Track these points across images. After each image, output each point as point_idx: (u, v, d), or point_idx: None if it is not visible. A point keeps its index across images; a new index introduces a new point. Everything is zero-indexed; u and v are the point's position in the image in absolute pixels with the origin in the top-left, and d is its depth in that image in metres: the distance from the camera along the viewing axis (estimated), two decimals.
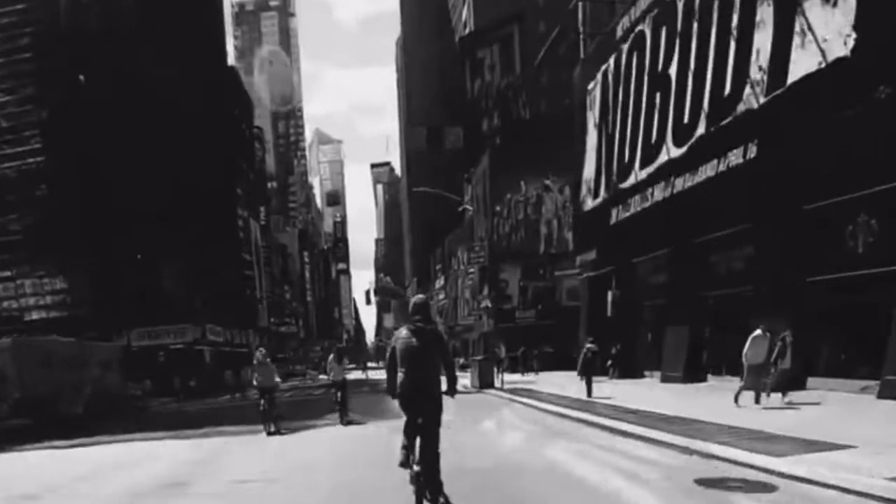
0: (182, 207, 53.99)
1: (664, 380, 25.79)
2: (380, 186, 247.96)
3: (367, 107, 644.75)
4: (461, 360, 59.46)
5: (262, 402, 17.45)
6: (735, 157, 20.52)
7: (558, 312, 53.09)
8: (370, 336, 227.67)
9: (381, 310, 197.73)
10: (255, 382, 17.92)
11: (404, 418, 7.34)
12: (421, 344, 7.15)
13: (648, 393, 22.36)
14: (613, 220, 29.14)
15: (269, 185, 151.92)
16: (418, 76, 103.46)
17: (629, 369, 29.63)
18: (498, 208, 51.55)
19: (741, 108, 20.36)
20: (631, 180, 27.59)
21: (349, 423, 18.10)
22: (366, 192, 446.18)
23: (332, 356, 20.18)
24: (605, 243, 30.97)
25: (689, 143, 23.14)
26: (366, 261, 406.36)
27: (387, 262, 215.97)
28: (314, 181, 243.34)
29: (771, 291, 19.89)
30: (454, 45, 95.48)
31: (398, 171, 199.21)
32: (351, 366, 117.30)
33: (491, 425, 16.24)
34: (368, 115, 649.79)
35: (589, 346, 23.37)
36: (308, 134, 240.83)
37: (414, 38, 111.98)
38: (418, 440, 7.18)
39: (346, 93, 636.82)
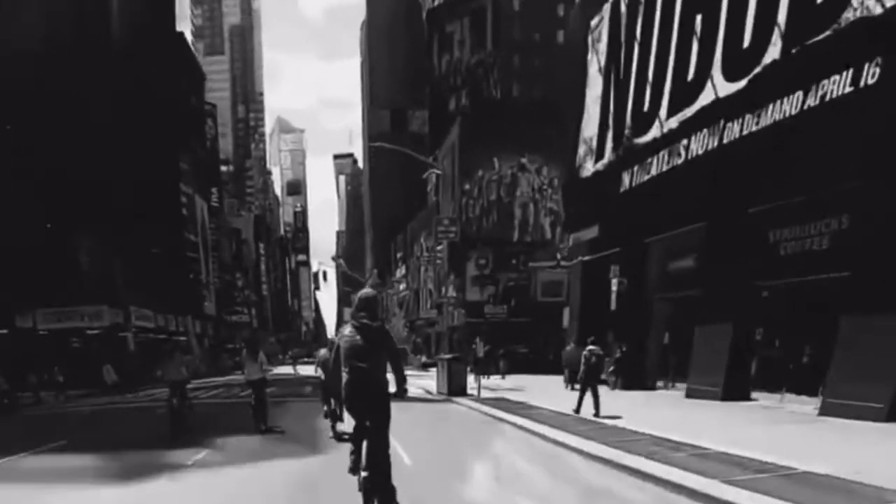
0: (108, 174, 46.13)
1: (691, 394, 19.26)
2: (342, 178, 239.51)
3: (330, 100, 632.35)
4: (423, 359, 52.37)
5: (174, 400, 14.84)
6: (834, 86, 13.92)
7: (532, 309, 46.65)
8: (331, 330, 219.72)
9: (342, 303, 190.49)
10: (158, 374, 15.60)
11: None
12: (366, 342, 6.56)
13: (687, 415, 15.93)
14: (625, 186, 22.47)
15: (226, 168, 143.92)
16: (383, 59, 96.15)
17: (635, 378, 23.06)
18: (467, 186, 44.79)
19: (851, 15, 13.75)
20: (653, 133, 20.94)
21: (268, 430, 14.77)
22: (328, 185, 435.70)
23: (244, 349, 16.79)
24: (609, 218, 24.29)
25: (752, 75, 16.49)
26: (327, 254, 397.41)
27: (348, 255, 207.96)
28: (275, 170, 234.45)
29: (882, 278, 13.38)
30: (422, 26, 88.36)
31: (361, 164, 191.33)
32: (311, 359, 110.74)
33: (487, 485, 9.22)
34: (332, 108, 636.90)
35: (591, 348, 16.82)
36: (269, 122, 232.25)
37: (380, 18, 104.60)
38: (365, 444, 6.55)
39: (309, 85, 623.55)
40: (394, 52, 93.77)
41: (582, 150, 26.13)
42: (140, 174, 54.52)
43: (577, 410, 16.10)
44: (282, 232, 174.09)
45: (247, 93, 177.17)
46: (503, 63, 65.58)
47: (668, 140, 19.92)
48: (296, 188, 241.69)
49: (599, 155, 24.61)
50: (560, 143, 47.15)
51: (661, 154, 20.34)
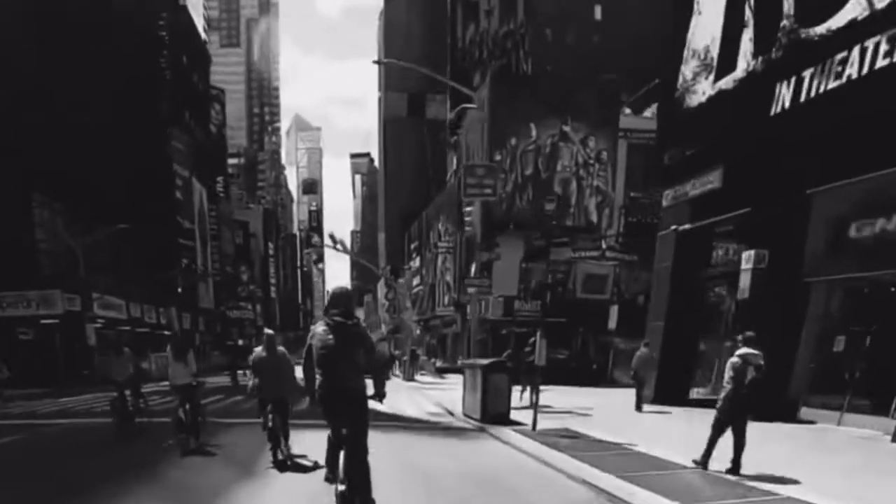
0: (76, 139, 38.29)
1: None
2: (358, 177, 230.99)
3: (346, 100, 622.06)
4: (437, 363, 43.75)
5: (128, 400, 13.07)
6: None
7: (570, 307, 38.00)
8: None
9: (356, 304, 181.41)
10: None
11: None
12: (339, 342, 5.98)
13: None
14: (781, 104, 13.81)
15: (237, 160, 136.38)
16: (401, 37, 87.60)
17: (772, 402, 14.30)
18: (498, 157, 36.22)
19: None
20: (848, 12, 12.27)
21: (198, 448, 11.22)
22: (343, 185, 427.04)
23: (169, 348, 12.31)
24: (740, 160, 15.55)
25: None
26: (339, 254, 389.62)
27: (363, 255, 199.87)
28: (291, 169, 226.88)
29: None
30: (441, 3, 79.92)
31: (377, 162, 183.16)
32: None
33: None
34: (348, 109, 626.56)
35: (748, 352, 8.32)
36: (285, 120, 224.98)
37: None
38: (343, 455, 6.02)
39: (325, 85, 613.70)
40: (410, 34, 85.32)
41: (691, 66, 17.42)
42: (119, 145, 46.64)
43: (705, 463, 9.12)
44: (296, 230, 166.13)
45: (262, 86, 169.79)
46: (535, 35, 56.91)
47: (883, 21, 11.29)
48: (312, 187, 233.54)
49: (726, 67, 15.90)
50: (607, 114, 39.13)
51: (866, 45, 11.68)
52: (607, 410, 18.04)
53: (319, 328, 6.13)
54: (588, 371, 34.17)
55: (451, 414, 17.49)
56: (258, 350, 10.24)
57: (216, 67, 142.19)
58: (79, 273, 36.42)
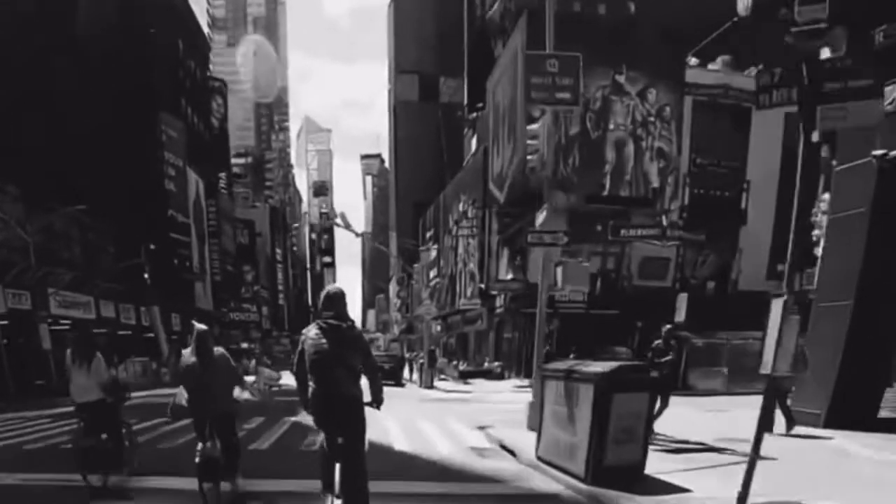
0: (49, 118, 31.77)
1: None
2: (369, 179, 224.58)
3: (355, 103, 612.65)
4: (461, 366, 36.53)
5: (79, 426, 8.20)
6: None
7: (624, 297, 30.90)
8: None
9: (367, 305, 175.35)
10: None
11: None
12: (332, 345, 5.48)
13: None
14: None
15: (245, 160, 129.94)
16: (413, 19, 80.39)
17: None
18: (537, 114, 28.93)
19: None
20: None
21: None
22: (353, 187, 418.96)
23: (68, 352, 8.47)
24: None
25: None
26: (351, 257, 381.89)
27: (373, 255, 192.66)
28: (301, 173, 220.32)
29: None
30: None
31: (387, 153, 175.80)
32: None
33: None
34: (356, 111, 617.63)
35: None
36: (294, 123, 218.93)
37: None
38: (339, 466, 5.44)
39: (334, 88, 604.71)
40: (422, 13, 78.04)
41: None
42: (96, 124, 40.28)
43: None
44: (306, 230, 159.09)
45: (268, 101, 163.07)
46: None
47: None
48: (322, 189, 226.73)
49: None
50: (670, 63, 31.55)
51: None
52: (767, 443, 10.71)
53: (312, 332, 5.62)
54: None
55: (513, 454, 10.31)
56: (186, 353, 7.24)
57: (223, 68, 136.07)
58: (30, 265, 29.61)
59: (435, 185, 57.00)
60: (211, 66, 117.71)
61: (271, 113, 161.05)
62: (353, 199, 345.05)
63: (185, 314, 53.39)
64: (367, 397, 5.74)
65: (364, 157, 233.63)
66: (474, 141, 48.38)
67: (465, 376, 33.73)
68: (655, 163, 29.80)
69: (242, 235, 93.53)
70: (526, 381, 30.30)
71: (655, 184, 29.69)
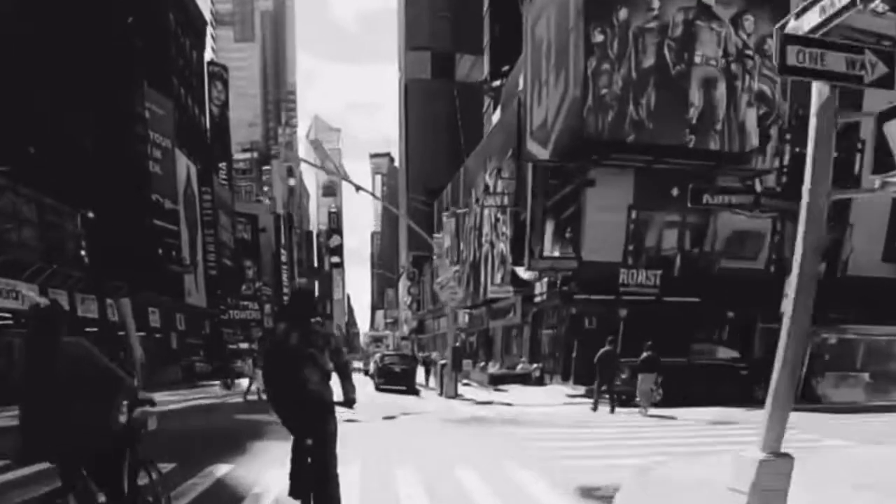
0: None
1: None
2: (378, 178, 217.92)
3: (364, 105, 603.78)
4: (491, 368, 29.05)
5: None
6: None
7: (706, 280, 23.44)
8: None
9: (375, 307, 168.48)
10: None
11: None
12: (301, 343, 5.11)
13: None
14: None
15: (250, 154, 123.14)
16: None
17: None
18: (600, 38, 21.41)
19: None
20: None
21: None
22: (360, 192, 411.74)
23: None
24: None
25: None
26: (359, 258, 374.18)
27: (383, 257, 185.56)
28: (310, 172, 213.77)
29: None
30: None
31: (397, 162, 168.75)
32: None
33: None
34: (365, 113, 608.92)
35: None
36: (304, 122, 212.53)
37: None
38: (309, 466, 5.14)
39: (341, 91, 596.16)
40: None
41: None
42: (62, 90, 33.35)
43: None
44: (311, 227, 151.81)
45: (278, 81, 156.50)
46: None
47: None
48: (331, 189, 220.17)
49: None
50: None
51: None
52: None
53: (279, 329, 5.28)
54: (758, 380, 19.35)
55: None
56: None
57: (231, 63, 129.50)
58: None
59: (449, 170, 49.57)
60: (214, 55, 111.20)
61: (279, 109, 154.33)
62: (361, 200, 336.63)
63: (172, 310, 46.25)
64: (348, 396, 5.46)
65: (373, 155, 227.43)
66: (497, 115, 41.14)
67: (494, 381, 26.30)
68: (754, 109, 22.27)
69: (245, 230, 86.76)
70: (579, 389, 22.93)
71: (755, 138, 22.16)
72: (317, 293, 65.87)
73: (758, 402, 18.40)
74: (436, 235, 23.04)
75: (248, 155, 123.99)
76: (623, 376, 18.37)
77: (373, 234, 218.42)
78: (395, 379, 26.96)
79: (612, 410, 17.55)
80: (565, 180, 23.71)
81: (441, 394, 23.32)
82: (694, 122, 22.02)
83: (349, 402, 5.50)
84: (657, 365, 17.22)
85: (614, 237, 22.96)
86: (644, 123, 21.80)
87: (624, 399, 19.40)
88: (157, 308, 42.06)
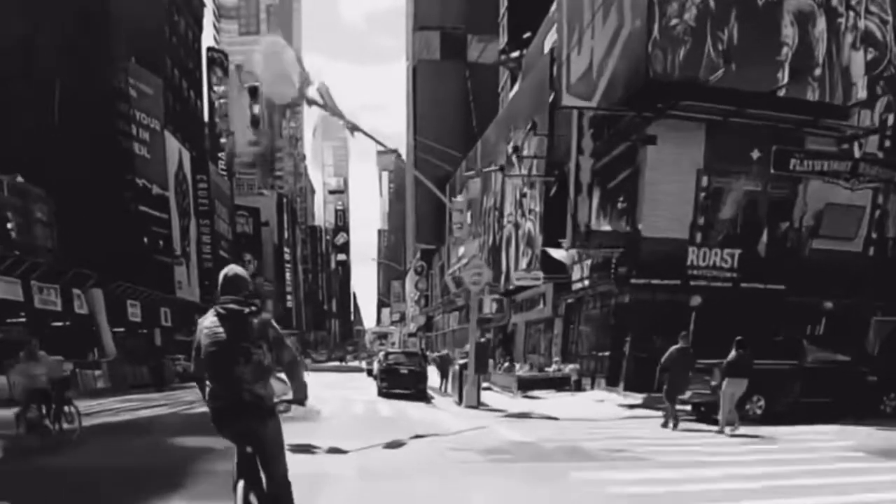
0: None
1: None
2: (385, 175, 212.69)
3: (371, 106, 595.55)
4: (520, 370, 24.00)
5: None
6: None
7: (796, 265, 18.33)
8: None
9: (381, 304, 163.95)
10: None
11: None
12: (233, 336, 4.29)
13: None
14: None
15: (254, 148, 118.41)
16: None
17: None
18: None
19: None
20: None
21: None
22: (369, 189, 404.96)
23: None
24: None
25: None
26: (366, 257, 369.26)
27: (389, 254, 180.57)
28: (317, 171, 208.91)
29: None
30: None
31: (405, 156, 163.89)
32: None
33: None
34: (373, 114, 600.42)
35: None
36: (311, 121, 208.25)
37: None
38: (242, 485, 4.37)
39: (350, 91, 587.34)
40: None
41: None
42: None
43: None
44: (316, 222, 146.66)
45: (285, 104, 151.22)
46: None
47: None
48: (338, 186, 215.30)
49: None
50: None
51: None
52: None
53: (207, 320, 4.44)
54: (887, 389, 14.33)
55: None
56: None
57: (237, 57, 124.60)
58: None
59: (460, 156, 44.55)
60: (216, 42, 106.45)
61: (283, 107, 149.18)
62: (368, 200, 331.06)
63: (155, 303, 41.44)
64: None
65: (380, 152, 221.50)
66: (514, 92, 36.28)
67: (524, 386, 21.28)
68: (861, 53, 17.30)
69: (247, 224, 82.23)
70: (632, 397, 18.06)
71: (862, 89, 17.21)
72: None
73: (886, 417, 12.92)
74: (455, 199, 17.94)
75: (252, 149, 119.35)
76: (713, 383, 13.51)
77: (379, 232, 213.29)
78: (402, 382, 22.10)
79: (675, 426, 13.19)
80: (617, 138, 18.67)
81: (460, 402, 18.41)
82: (787, 64, 17.00)
83: (300, 400, 4.81)
84: (749, 368, 12.49)
85: (680, 208, 17.95)
86: (724, 64, 16.75)
87: (702, 411, 14.72)
88: (137, 301, 37.18)
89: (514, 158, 24.56)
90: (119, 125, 43.24)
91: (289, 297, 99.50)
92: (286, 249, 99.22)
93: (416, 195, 63.78)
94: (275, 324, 4.57)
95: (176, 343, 40.04)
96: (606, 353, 20.34)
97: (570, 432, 12.70)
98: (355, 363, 67.45)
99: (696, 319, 16.61)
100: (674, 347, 13.74)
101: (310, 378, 31.59)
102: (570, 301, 22.93)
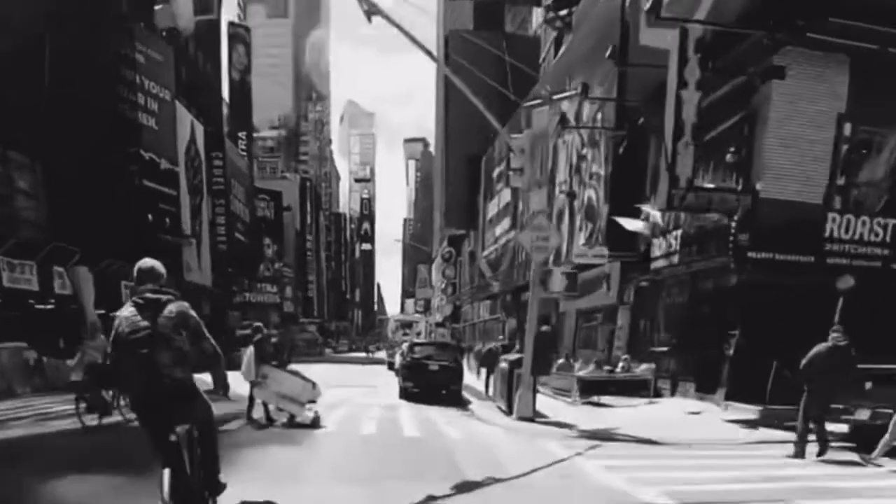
0: None
1: None
2: (412, 163, 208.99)
3: (397, 96, 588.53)
4: (582, 370, 19.15)
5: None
6: None
7: None
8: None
9: (405, 295, 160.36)
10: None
11: None
12: (152, 324, 4.48)
13: None
14: None
15: (277, 132, 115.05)
16: None
17: None
18: None
19: None
20: None
21: None
22: (395, 178, 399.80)
23: None
24: None
25: None
26: (390, 248, 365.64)
27: (414, 236, 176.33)
28: (343, 160, 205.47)
29: None
30: None
31: (433, 147, 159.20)
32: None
33: None
34: (398, 103, 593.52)
35: None
36: (338, 108, 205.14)
37: None
38: (168, 473, 4.38)
39: (376, 78, 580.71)
40: None
41: None
42: None
43: None
44: (338, 208, 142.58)
45: (312, 57, 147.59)
46: None
47: None
48: (364, 175, 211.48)
49: None
50: None
51: None
52: None
53: (126, 310, 4.58)
54: None
55: None
56: None
57: (262, 39, 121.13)
58: None
59: (493, 134, 39.86)
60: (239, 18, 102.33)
61: (311, 83, 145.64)
62: (394, 189, 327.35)
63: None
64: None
65: (407, 140, 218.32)
66: (565, 47, 31.69)
67: (587, 390, 16.64)
68: None
69: (268, 208, 78.34)
70: (740, 409, 13.56)
71: None
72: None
73: None
74: (514, 136, 13.24)
75: (275, 133, 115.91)
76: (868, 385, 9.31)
77: (405, 221, 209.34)
78: (431, 380, 17.75)
79: (822, 452, 9.36)
80: (726, 72, 13.87)
81: (509, 411, 13.94)
82: None
83: (223, 388, 5.01)
84: None
85: (814, 164, 13.20)
86: None
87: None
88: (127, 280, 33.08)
89: (572, 111, 19.86)
90: (122, 92, 39.22)
91: (310, 284, 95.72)
92: (308, 236, 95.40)
93: (445, 178, 59.16)
94: (193, 312, 4.65)
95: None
96: (696, 351, 15.70)
97: (706, 473, 8.14)
98: (381, 354, 63.47)
99: (844, 308, 11.90)
100: (822, 345, 9.37)
101: (324, 370, 25.75)
102: (643, 284, 18.22)
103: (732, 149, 13.73)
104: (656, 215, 14.98)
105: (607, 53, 17.19)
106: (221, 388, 4.97)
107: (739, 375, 13.98)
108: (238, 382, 13.55)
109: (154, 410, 4.47)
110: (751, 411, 13.29)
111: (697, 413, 14.24)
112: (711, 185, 13.45)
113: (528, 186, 12.40)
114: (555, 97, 13.84)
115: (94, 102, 34.28)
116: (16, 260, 23.64)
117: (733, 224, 12.63)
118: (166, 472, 4.32)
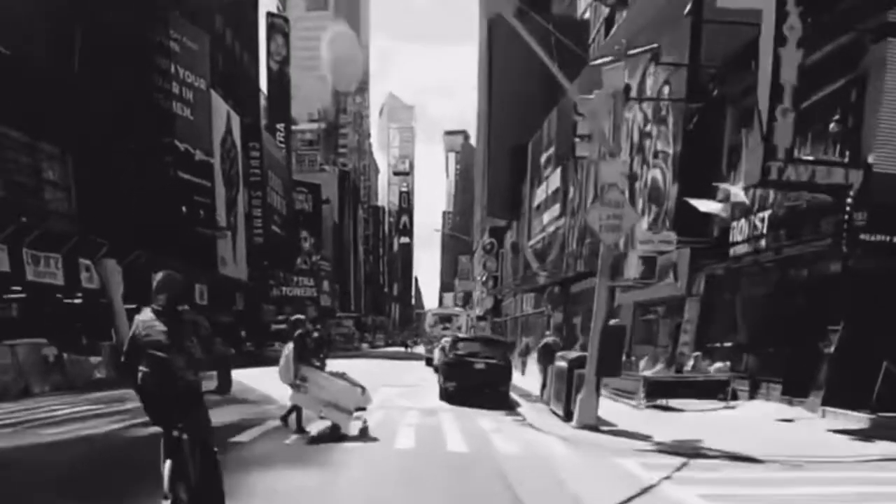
0: None
1: None
2: (452, 156, 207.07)
3: (438, 89, 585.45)
4: (647, 369, 17.11)
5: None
6: None
7: None
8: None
9: (444, 289, 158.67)
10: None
11: None
12: (168, 329, 4.97)
13: None
14: None
15: (317, 125, 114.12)
16: None
17: None
18: None
19: None
20: None
21: None
22: (434, 171, 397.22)
23: None
24: None
25: None
26: (428, 241, 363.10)
27: (454, 228, 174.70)
28: (382, 154, 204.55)
29: None
30: None
31: (474, 140, 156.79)
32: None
33: None
34: (440, 96, 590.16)
35: None
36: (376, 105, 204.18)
37: None
38: (169, 463, 4.86)
39: (417, 71, 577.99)
40: None
41: None
42: None
43: None
44: (377, 202, 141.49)
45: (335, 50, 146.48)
46: None
47: None
48: (403, 168, 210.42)
49: None
50: None
51: None
52: None
53: (145, 315, 5.09)
54: None
55: None
56: None
57: (301, 32, 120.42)
58: None
59: (541, 124, 37.77)
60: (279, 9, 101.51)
61: (339, 76, 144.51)
62: (434, 182, 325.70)
63: (192, 279, 36.31)
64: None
65: (447, 133, 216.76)
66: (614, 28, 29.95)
67: (654, 392, 14.68)
68: None
69: (306, 201, 77.45)
70: (849, 417, 11.49)
71: None
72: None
73: None
74: (587, 97, 11.30)
75: (314, 125, 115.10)
76: None
77: (444, 214, 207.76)
78: (477, 380, 16.04)
79: None
80: (830, 29, 11.78)
81: (567, 417, 12.15)
82: None
83: (225, 389, 5.93)
84: None
85: None
86: None
87: None
88: (155, 272, 31.93)
89: (635, 84, 17.85)
90: (157, 81, 38.21)
91: (351, 272, 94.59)
92: (347, 222, 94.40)
93: (487, 166, 57.14)
94: (206, 322, 5.18)
95: (214, 326, 34.70)
96: (783, 348, 13.67)
97: None
98: (419, 349, 61.98)
99: None
100: None
101: (361, 365, 23.39)
102: (717, 272, 16.16)
103: (837, 117, 11.64)
104: (739, 194, 12.93)
105: (686, 10, 15.32)
106: (225, 385, 5.63)
107: (840, 377, 11.94)
108: (273, 383, 12.04)
109: (168, 409, 4.88)
110: (857, 419, 11.28)
111: (790, 420, 12.24)
112: (811, 158, 11.39)
113: (599, 157, 10.48)
114: (629, 52, 11.89)
115: (127, 92, 33.26)
116: (41, 252, 22.53)
117: (848, 201, 10.55)
118: (167, 464, 4.75)
